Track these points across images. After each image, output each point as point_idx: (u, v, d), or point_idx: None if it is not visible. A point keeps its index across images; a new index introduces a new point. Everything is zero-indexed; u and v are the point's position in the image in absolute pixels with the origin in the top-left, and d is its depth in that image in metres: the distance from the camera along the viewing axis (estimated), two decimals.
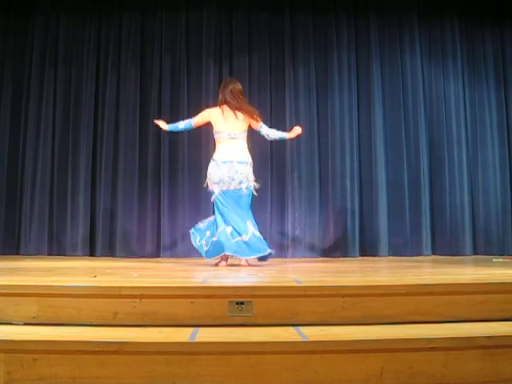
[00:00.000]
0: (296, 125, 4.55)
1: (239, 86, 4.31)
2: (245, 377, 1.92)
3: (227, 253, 4.04)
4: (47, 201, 5.61)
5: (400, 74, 5.91)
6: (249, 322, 2.26)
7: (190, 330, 2.16)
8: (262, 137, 4.41)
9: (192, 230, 4.33)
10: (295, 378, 1.94)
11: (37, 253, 5.47)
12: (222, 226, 4.08)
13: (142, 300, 2.28)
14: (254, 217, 4.22)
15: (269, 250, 4.09)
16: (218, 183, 4.14)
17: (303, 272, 3.61)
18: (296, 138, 4.58)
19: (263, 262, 4.17)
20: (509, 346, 2.03)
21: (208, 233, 4.20)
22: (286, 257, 5.54)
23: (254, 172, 4.31)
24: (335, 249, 5.63)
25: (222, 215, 4.13)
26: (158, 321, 2.26)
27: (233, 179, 4.13)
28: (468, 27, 6.03)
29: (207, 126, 4.42)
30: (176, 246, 5.49)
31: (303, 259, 5.40)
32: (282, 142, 5.21)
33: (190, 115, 4.60)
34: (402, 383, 1.96)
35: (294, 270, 3.71)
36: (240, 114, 4.20)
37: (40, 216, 5.59)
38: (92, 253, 5.55)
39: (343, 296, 2.32)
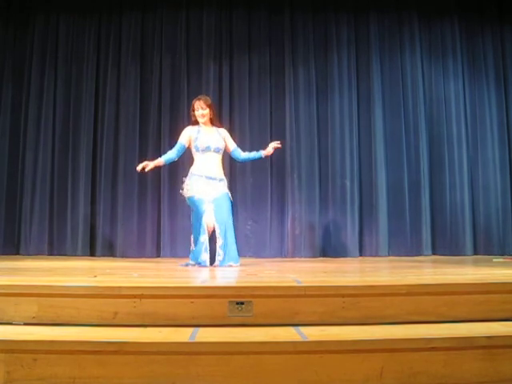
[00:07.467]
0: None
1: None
2: (245, 377, 1.92)
3: None
4: (47, 201, 5.62)
5: (400, 72, 5.92)
6: (249, 321, 2.26)
7: (190, 329, 2.16)
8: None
9: None
10: (295, 377, 1.93)
11: (37, 253, 5.48)
12: None
13: (142, 300, 2.27)
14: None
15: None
16: None
17: (303, 272, 3.60)
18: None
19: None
20: (509, 346, 2.03)
21: None
22: (285, 257, 5.55)
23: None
24: (335, 249, 5.63)
25: None
26: (158, 321, 2.26)
27: None
28: (468, 26, 6.04)
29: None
30: (176, 246, 5.49)
31: (303, 259, 5.40)
32: (282, 143, 5.18)
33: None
34: (401, 383, 1.95)
35: (294, 270, 3.70)
36: None
37: (40, 216, 5.59)
38: (92, 253, 5.56)
39: (343, 296, 2.32)
